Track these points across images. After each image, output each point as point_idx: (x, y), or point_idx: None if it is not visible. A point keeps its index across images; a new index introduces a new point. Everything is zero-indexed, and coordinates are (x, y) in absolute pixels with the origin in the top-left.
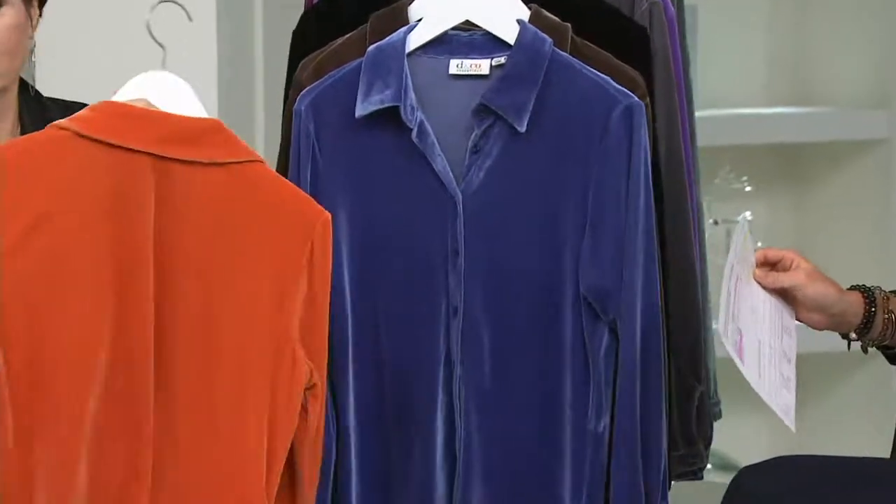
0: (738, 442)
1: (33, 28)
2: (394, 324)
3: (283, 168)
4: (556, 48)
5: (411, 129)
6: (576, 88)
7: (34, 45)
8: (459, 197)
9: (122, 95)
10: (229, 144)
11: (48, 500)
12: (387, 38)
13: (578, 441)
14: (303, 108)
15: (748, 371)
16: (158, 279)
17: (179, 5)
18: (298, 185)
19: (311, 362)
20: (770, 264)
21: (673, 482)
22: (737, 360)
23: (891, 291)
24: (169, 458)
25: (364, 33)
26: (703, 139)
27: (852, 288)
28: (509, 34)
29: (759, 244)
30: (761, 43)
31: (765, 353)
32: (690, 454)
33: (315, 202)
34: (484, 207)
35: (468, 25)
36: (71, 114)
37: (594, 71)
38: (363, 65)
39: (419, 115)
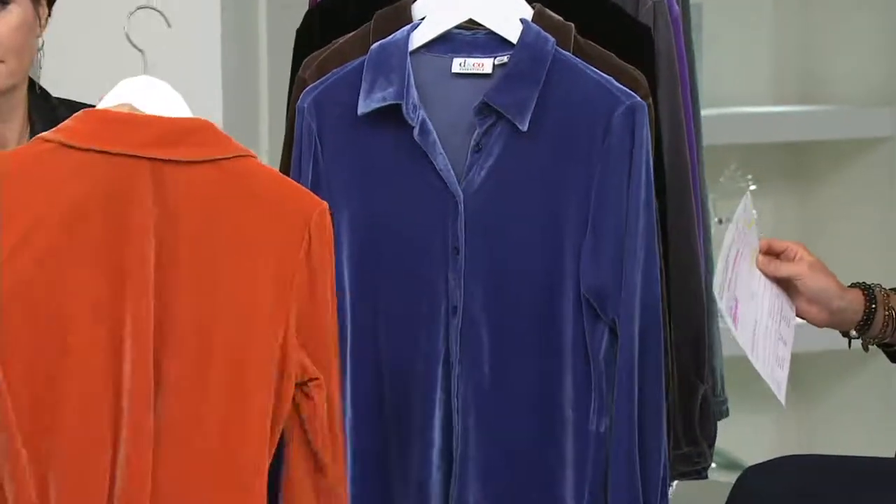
0: (742, 441)
1: (42, 27)
2: (393, 322)
3: (286, 165)
4: (558, 47)
5: (413, 127)
6: (578, 88)
7: (42, 45)
8: (461, 196)
9: (105, 103)
10: (218, 142)
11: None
12: (390, 37)
13: (580, 441)
14: (305, 105)
15: (742, 337)
16: (157, 279)
17: (158, 12)
18: (300, 182)
19: (312, 355)
20: (774, 254)
21: (677, 481)
22: (730, 324)
23: (891, 289)
24: (167, 454)
25: (367, 31)
26: (708, 138)
27: (853, 285)
28: (512, 33)
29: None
30: (766, 41)
31: (760, 331)
32: (694, 453)
33: (311, 193)
34: (485, 206)
35: (471, 24)
36: None
37: (597, 70)
38: (366, 63)
39: (421, 113)
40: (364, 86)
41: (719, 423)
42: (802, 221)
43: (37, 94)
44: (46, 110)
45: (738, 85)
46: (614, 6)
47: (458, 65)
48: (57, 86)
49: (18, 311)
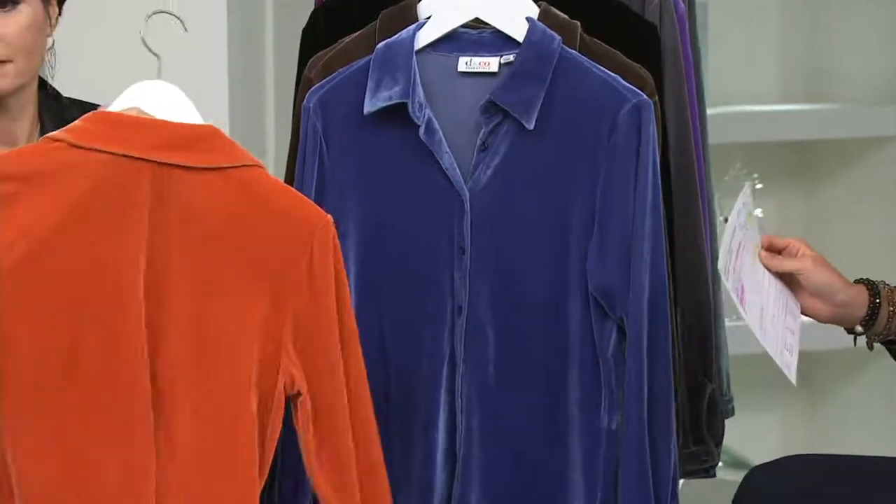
0: (749, 439)
1: (52, 27)
2: (398, 321)
3: (292, 165)
4: (565, 46)
5: (419, 126)
6: (584, 86)
7: (53, 44)
8: (466, 194)
9: (117, 105)
10: (227, 149)
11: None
12: (396, 36)
13: (590, 439)
14: (311, 105)
15: (750, 318)
16: (152, 283)
17: (175, 17)
18: (305, 181)
19: (311, 366)
20: (775, 251)
21: (684, 480)
22: (737, 304)
23: (895, 286)
24: (165, 459)
25: (373, 31)
26: (714, 136)
27: (857, 281)
28: (518, 32)
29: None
30: (772, 39)
31: (767, 317)
32: (702, 452)
33: (316, 206)
34: (491, 205)
35: (477, 23)
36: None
37: (603, 69)
38: (372, 62)
39: (427, 111)
40: (370, 85)
41: (726, 422)
42: (807, 220)
43: (47, 93)
44: (56, 110)
45: (744, 83)
46: (620, 4)
47: (464, 64)
48: (63, 85)
49: (17, 313)
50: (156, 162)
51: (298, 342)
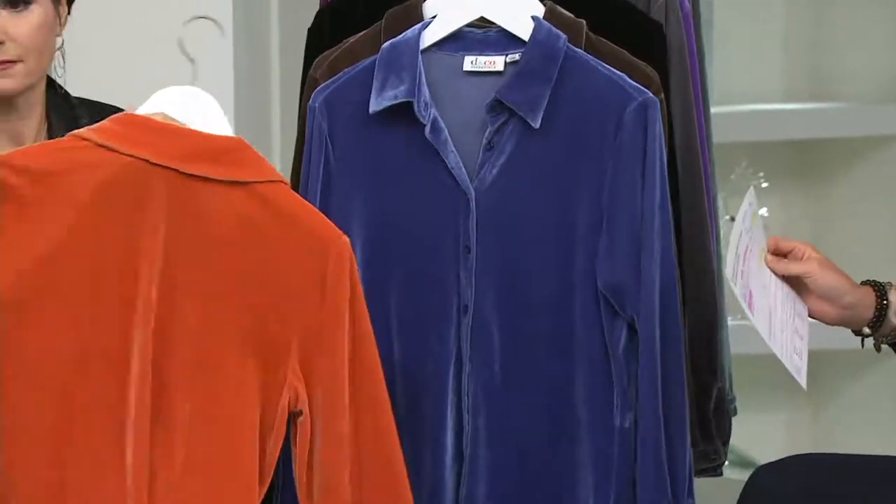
0: (755, 439)
1: (61, 26)
2: (404, 321)
3: (297, 165)
4: (570, 44)
5: (424, 126)
6: (590, 85)
7: (62, 44)
8: (472, 193)
9: (147, 108)
10: (251, 164)
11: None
12: (401, 35)
13: (602, 439)
14: (316, 105)
15: (758, 322)
16: (163, 292)
17: (213, 21)
18: (310, 181)
19: (312, 388)
20: (781, 254)
21: None
22: (746, 309)
23: None
24: (164, 468)
25: (378, 31)
26: (719, 135)
27: (864, 283)
28: (524, 31)
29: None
30: (777, 39)
31: (776, 321)
32: (710, 450)
33: (334, 227)
34: (497, 204)
35: (483, 22)
36: (99, 114)
37: (609, 67)
38: (377, 61)
39: (433, 111)
40: (375, 84)
41: (732, 421)
42: (812, 219)
43: (56, 92)
44: (65, 109)
45: (749, 82)
46: (625, 3)
47: (470, 63)
48: (70, 85)
49: (22, 308)
50: (177, 171)
51: (304, 361)
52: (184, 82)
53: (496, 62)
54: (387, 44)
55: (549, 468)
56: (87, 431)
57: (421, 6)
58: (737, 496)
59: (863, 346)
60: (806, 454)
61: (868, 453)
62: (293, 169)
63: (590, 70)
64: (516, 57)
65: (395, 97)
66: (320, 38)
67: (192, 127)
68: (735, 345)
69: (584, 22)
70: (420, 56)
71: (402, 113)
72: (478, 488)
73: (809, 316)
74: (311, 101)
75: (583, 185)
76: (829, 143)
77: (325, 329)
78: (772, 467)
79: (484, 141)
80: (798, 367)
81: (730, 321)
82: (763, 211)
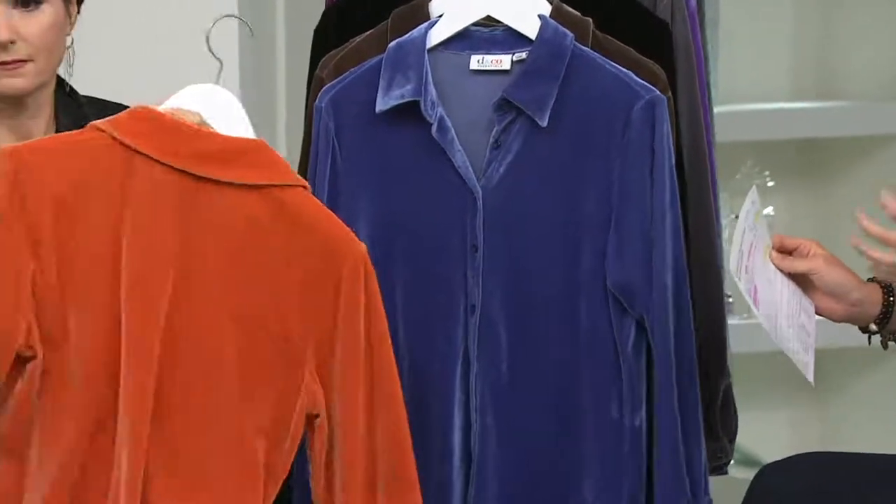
0: (761, 437)
1: (71, 26)
2: (411, 321)
3: (305, 165)
4: (577, 43)
5: (431, 125)
6: (597, 83)
7: (72, 43)
8: (479, 192)
9: (166, 105)
10: (269, 166)
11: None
12: (407, 35)
13: (611, 437)
14: (323, 104)
15: (763, 318)
16: (173, 293)
17: (243, 21)
18: (317, 181)
19: (329, 392)
20: (786, 251)
21: None
22: (751, 304)
23: None
24: (163, 469)
25: (384, 30)
26: (725, 134)
27: (870, 280)
28: (530, 29)
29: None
30: (783, 37)
31: (782, 317)
32: (716, 448)
33: (351, 233)
34: (504, 203)
35: (489, 21)
36: (106, 113)
37: (616, 65)
38: (384, 61)
39: (439, 110)
40: (382, 84)
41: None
42: (818, 218)
43: (65, 91)
44: (73, 108)
45: (755, 81)
46: (632, 1)
47: (476, 62)
48: (78, 83)
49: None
50: (189, 173)
51: (320, 365)
52: (191, 81)
53: (503, 61)
54: (393, 43)
55: (558, 467)
56: (94, 435)
57: (427, 5)
58: (742, 495)
59: (869, 342)
60: (812, 453)
61: (875, 451)
62: (300, 168)
63: (597, 68)
64: (523, 55)
65: (402, 96)
66: (326, 37)
67: (215, 126)
68: (741, 343)
69: (591, 20)
70: (426, 55)
71: (409, 112)
72: (487, 488)
73: (816, 313)
74: (317, 100)
75: (590, 184)
76: (835, 142)
77: (340, 334)
78: (778, 466)
79: (491, 140)
80: (805, 362)
81: (737, 320)
82: (769, 210)
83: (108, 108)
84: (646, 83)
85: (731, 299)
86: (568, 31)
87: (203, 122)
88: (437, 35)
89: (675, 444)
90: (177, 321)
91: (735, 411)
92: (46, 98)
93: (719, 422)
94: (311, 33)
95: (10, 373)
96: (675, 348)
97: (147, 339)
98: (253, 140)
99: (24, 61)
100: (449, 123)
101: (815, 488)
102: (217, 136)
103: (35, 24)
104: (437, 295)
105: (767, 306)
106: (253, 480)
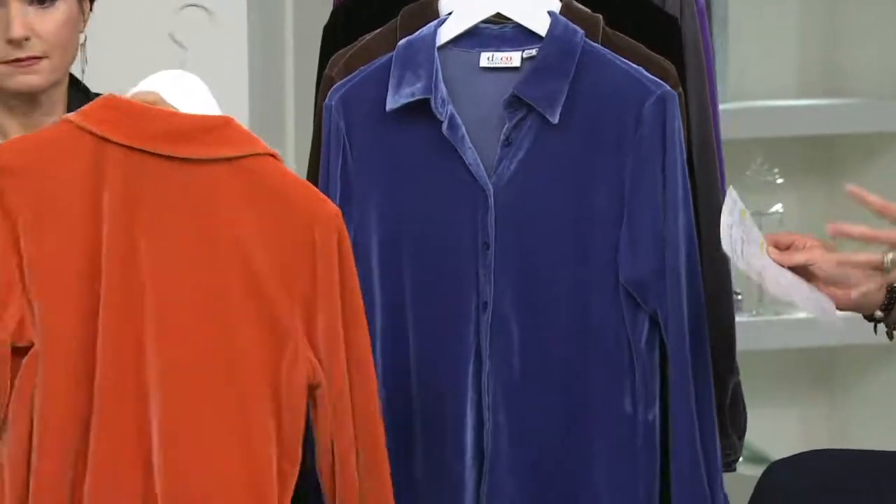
0: (769, 434)
1: (85, 23)
2: (423, 319)
3: (314, 164)
4: (587, 39)
5: (442, 122)
6: (608, 79)
7: (85, 40)
8: (490, 190)
9: (132, 91)
10: (237, 140)
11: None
12: (417, 32)
13: (625, 433)
14: (333, 103)
15: (772, 285)
16: (155, 275)
17: (203, 8)
18: (329, 180)
19: (322, 361)
20: (783, 248)
21: None
22: (756, 277)
23: None
24: (168, 456)
25: (394, 28)
26: (734, 131)
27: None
28: (540, 26)
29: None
30: (793, 34)
31: (786, 282)
32: (725, 445)
33: (324, 197)
34: (515, 200)
35: (499, 18)
36: None
37: (626, 61)
38: (393, 59)
39: (450, 107)
40: (392, 82)
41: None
42: (828, 215)
43: (78, 89)
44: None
45: (764, 78)
46: None
47: (487, 59)
48: (89, 81)
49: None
50: (159, 154)
51: (308, 330)
52: (202, 78)
53: (513, 58)
54: (403, 41)
55: (572, 464)
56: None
57: (436, 3)
58: (750, 491)
59: (875, 331)
60: (820, 450)
61: (883, 448)
62: (309, 167)
63: (607, 64)
64: (533, 52)
65: (412, 94)
66: (335, 36)
67: (181, 108)
68: (750, 341)
69: (601, 17)
70: (436, 53)
71: (419, 110)
72: (500, 486)
73: None
74: (327, 99)
75: (602, 180)
76: (843, 139)
77: (321, 299)
78: (786, 463)
79: (501, 137)
80: (825, 307)
81: (746, 317)
82: (778, 206)
83: None
84: (656, 79)
85: (739, 296)
86: (578, 28)
87: (161, 101)
88: (446, 33)
89: (691, 439)
90: (160, 303)
91: (744, 408)
92: (60, 95)
93: (728, 419)
94: (320, 32)
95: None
96: (690, 342)
97: (130, 325)
98: (219, 116)
99: (39, 58)
100: (459, 121)
101: (823, 485)
102: (182, 115)
103: (50, 20)
104: (448, 293)
105: (771, 277)
106: (259, 453)
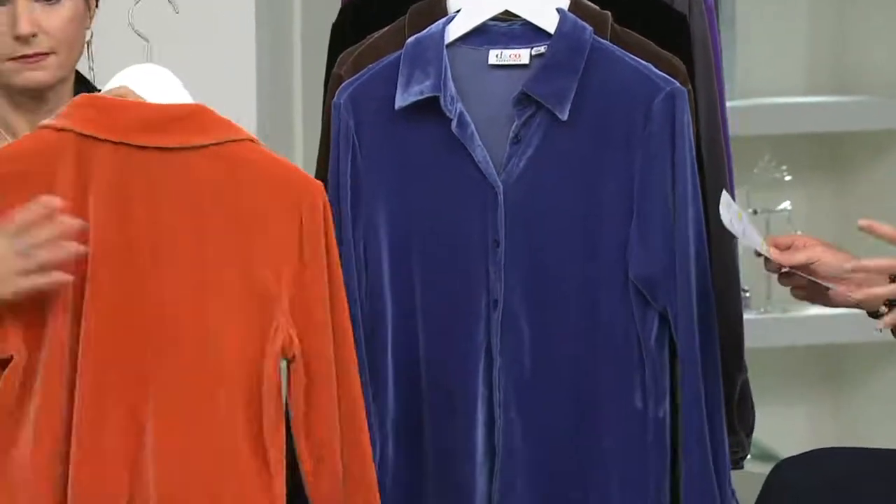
0: (777, 432)
1: (90, 20)
2: (433, 317)
3: (323, 162)
4: (596, 36)
5: (451, 120)
6: (617, 76)
7: (91, 37)
8: (500, 187)
9: (107, 87)
10: (212, 126)
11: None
12: (425, 30)
13: (636, 429)
14: (342, 101)
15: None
16: (144, 266)
17: (169, 1)
18: (338, 178)
19: (307, 336)
20: (783, 249)
21: None
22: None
23: None
24: (163, 437)
25: (402, 26)
26: (742, 128)
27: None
28: (549, 23)
29: (799, 233)
30: (801, 31)
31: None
32: (733, 443)
33: (307, 175)
34: (525, 197)
35: (507, 16)
36: None
37: (635, 58)
38: (402, 57)
39: (459, 105)
40: (401, 80)
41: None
42: (837, 213)
43: (84, 87)
44: None
45: (772, 75)
46: None
47: (495, 56)
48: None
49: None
50: (139, 146)
51: (292, 306)
52: (211, 76)
53: (521, 55)
54: (411, 39)
55: (583, 460)
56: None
57: (445, 1)
58: (758, 489)
59: (881, 330)
60: (829, 448)
61: (892, 447)
62: (318, 165)
63: (616, 61)
64: (542, 50)
65: (421, 92)
66: (343, 34)
67: (154, 100)
68: (758, 338)
69: (609, 13)
70: (445, 51)
71: (428, 108)
72: (513, 483)
73: (828, 304)
74: (336, 97)
75: (611, 177)
76: (852, 137)
77: (308, 278)
78: (794, 461)
79: (511, 134)
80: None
81: (754, 315)
82: (786, 204)
83: None
84: (665, 75)
85: (747, 294)
86: (587, 25)
87: (130, 94)
88: (455, 30)
89: (701, 435)
90: (150, 293)
91: (752, 406)
92: (66, 92)
93: (737, 416)
94: (328, 30)
95: None
96: (700, 339)
97: (124, 318)
98: (191, 105)
99: (46, 54)
100: (469, 118)
101: (831, 483)
102: (152, 105)
103: (56, 17)
104: (458, 291)
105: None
106: (248, 422)
